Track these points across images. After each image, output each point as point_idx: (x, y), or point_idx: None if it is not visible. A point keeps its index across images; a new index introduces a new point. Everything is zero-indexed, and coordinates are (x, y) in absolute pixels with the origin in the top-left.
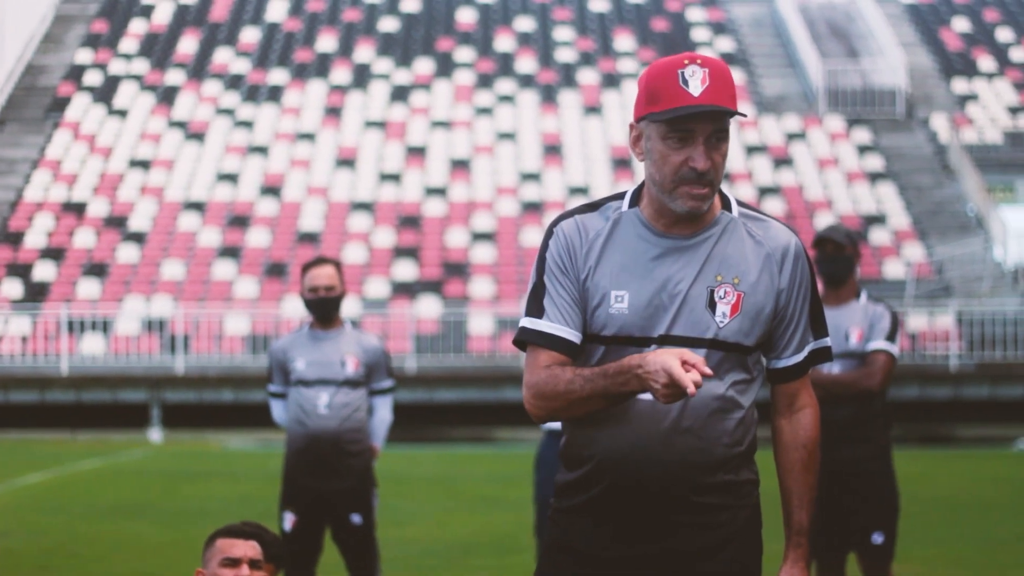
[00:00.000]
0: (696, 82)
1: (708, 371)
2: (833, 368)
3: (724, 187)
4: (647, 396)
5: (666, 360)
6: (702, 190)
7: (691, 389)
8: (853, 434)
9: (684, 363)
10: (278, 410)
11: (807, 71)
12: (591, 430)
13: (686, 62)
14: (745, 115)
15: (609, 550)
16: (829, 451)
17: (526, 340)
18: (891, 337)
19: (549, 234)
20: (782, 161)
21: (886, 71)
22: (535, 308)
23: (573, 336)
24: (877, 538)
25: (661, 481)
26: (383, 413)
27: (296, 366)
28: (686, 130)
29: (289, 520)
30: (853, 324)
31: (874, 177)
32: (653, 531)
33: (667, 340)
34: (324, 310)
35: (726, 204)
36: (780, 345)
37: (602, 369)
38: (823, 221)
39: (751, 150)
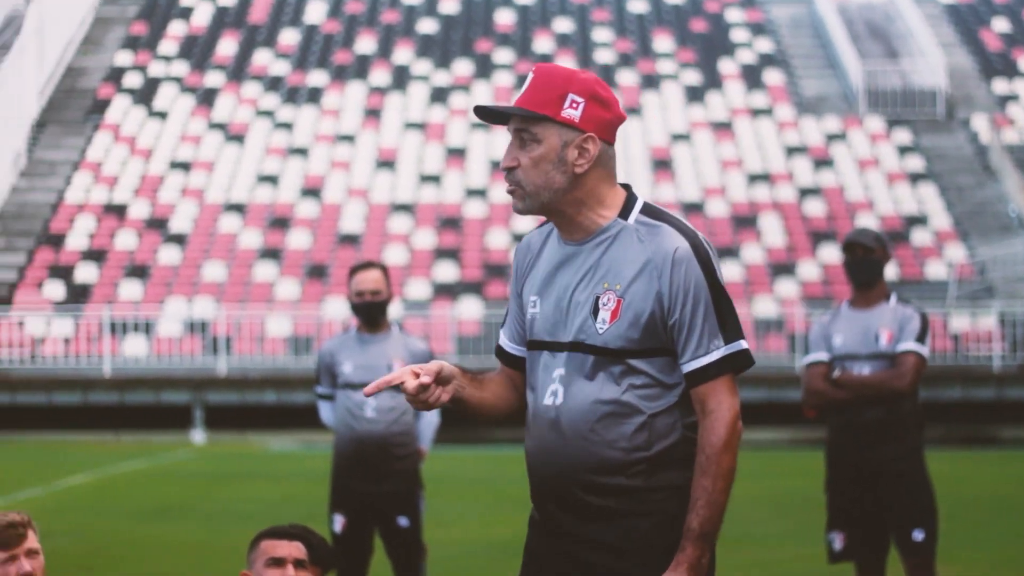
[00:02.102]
0: (523, 86)
1: (424, 381)
2: (863, 369)
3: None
4: (547, 401)
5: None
6: (510, 188)
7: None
8: (884, 435)
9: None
10: (326, 412)
11: (847, 72)
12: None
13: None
14: (541, 115)
15: (538, 545)
16: (861, 451)
17: None
18: (921, 338)
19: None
20: (822, 162)
21: (926, 71)
22: None
23: (507, 346)
24: (918, 535)
25: (554, 481)
26: (430, 416)
27: (343, 369)
28: (510, 131)
29: (339, 522)
30: (883, 325)
31: (915, 178)
32: (558, 530)
33: (570, 346)
34: (370, 314)
35: (625, 211)
36: (680, 349)
37: None
38: (864, 222)
39: (791, 151)
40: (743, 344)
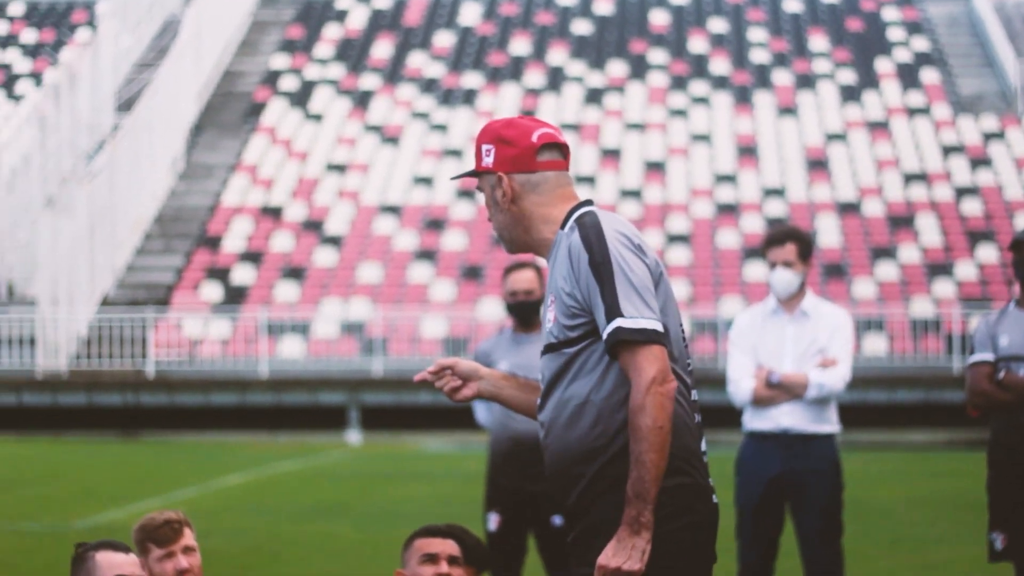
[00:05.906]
0: None
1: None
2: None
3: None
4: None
5: None
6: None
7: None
8: None
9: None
10: (482, 412)
11: (1004, 69)
12: None
13: None
14: (469, 172)
15: None
16: None
17: None
18: None
19: None
20: (980, 161)
21: None
22: None
23: None
24: None
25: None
26: None
27: (499, 369)
28: None
29: (494, 520)
30: None
31: None
32: None
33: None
34: (524, 313)
35: (564, 222)
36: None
37: None
38: (1022, 222)
39: (948, 151)
40: (626, 322)
